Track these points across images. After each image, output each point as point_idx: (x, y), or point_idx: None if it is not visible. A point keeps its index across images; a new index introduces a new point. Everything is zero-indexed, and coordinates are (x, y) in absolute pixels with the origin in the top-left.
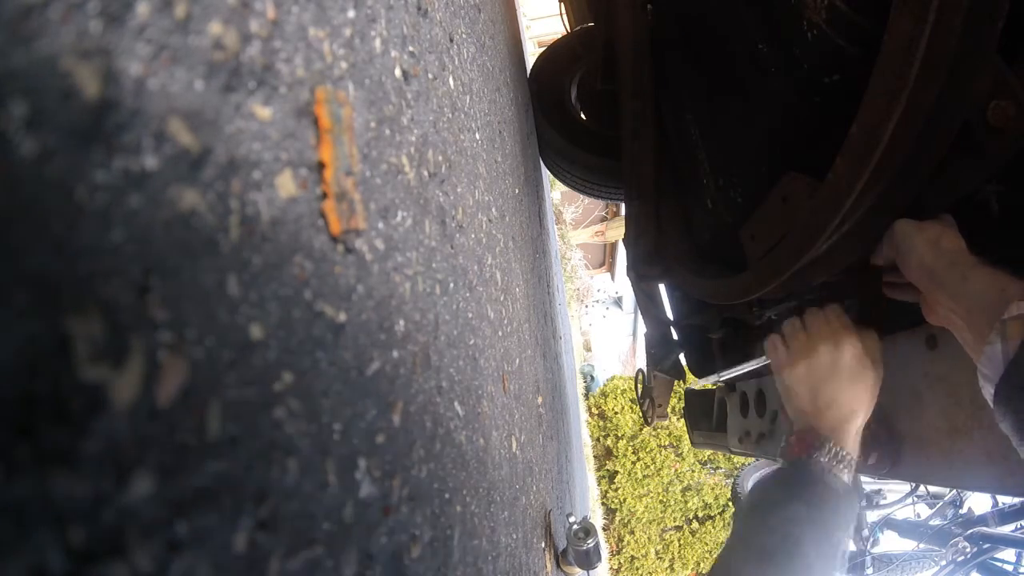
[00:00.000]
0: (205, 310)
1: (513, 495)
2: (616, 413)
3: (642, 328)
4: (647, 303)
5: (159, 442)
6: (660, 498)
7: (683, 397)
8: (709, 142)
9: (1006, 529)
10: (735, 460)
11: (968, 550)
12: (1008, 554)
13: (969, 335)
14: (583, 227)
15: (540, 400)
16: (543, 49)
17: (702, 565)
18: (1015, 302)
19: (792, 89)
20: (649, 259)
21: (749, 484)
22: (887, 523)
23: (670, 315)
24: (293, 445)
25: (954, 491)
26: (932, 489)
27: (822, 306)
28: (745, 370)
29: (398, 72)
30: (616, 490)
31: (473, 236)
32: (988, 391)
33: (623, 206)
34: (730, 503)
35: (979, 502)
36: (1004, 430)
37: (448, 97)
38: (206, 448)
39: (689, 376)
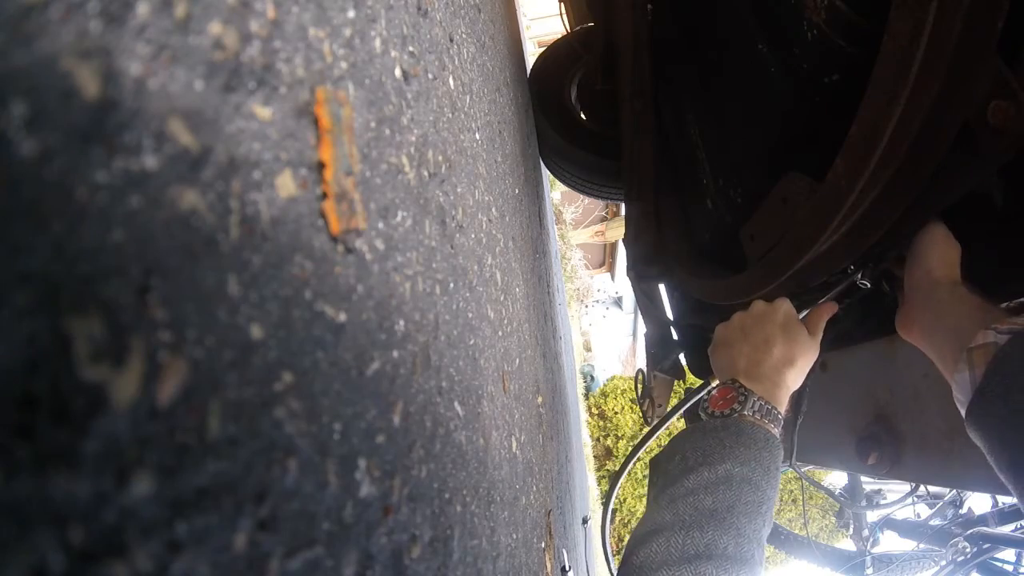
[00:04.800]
0: (205, 310)
1: (513, 495)
2: (616, 413)
3: (642, 328)
4: (647, 303)
5: (159, 442)
6: None
7: (683, 397)
8: (709, 142)
9: (1006, 529)
10: None
11: (968, 550)
12: (1008, 554)
13: (940, 358)
14: (583, 227)
15: (540, 400)
16: (543, 49)
17: None
18: (980, 331)
19: (792, 89)
20: (649, 259)
21: None
22: (887, 523)
23: (670, 315)
24: (293, 445)
25: (954, 491)
26: (932, 489)
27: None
28: None
29: (398, 72)
30: None
31: (473, 236)
32: (962, 412)
33: (623, 206)
34: None
35: (979, 502)
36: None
37: (448, 97)
38: (206, 448)
39: (689, 376)
